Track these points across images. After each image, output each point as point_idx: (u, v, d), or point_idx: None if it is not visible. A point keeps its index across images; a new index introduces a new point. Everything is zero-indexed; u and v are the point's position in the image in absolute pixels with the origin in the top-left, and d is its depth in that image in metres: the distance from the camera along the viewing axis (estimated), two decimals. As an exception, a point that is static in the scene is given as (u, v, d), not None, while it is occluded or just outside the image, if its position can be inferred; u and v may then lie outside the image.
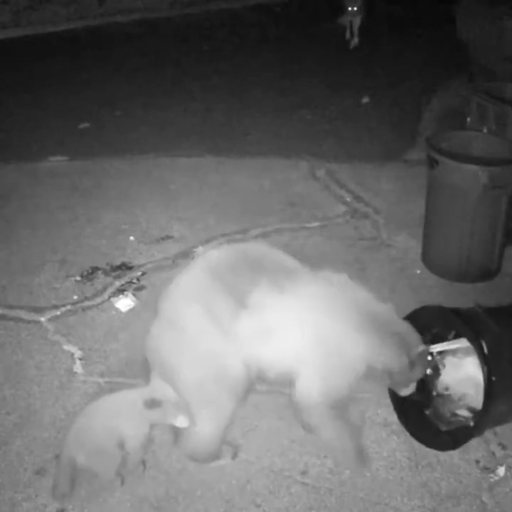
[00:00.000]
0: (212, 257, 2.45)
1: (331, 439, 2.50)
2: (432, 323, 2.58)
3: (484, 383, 2.33)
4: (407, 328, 2.44)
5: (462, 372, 2.55)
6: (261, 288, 2.29)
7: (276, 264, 2.39)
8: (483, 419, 2.38)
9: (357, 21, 7.24)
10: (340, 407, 2.44)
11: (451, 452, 2.54)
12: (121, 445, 2.39)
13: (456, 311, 2.54)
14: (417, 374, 2.48)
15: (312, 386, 2.36)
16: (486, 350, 2.32)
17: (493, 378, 2.30)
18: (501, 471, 2.50)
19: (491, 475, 2.49)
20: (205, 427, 2.41)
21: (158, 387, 2.44)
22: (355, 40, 7.26)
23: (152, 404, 2.39)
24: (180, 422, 2.40)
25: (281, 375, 2.40)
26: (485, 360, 2.32)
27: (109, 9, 8.32)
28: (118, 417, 2.41)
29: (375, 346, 2.35)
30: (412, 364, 2.40)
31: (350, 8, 7.10)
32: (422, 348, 2.42)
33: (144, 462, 2.51)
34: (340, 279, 2.42)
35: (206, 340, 2.31)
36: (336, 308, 2.35)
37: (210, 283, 2.32)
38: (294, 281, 2.34)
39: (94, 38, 7.67)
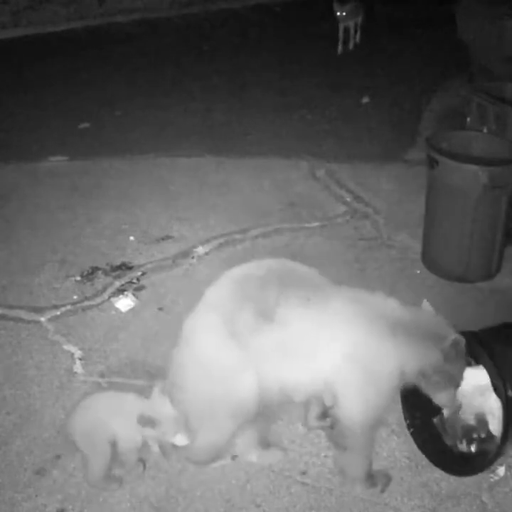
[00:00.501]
0: (238, 271, 2.35)
1: (360, 457, 2.40)
2: None
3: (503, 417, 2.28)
4: (437, 322, 2.31)
5: (470, 380, 2.48)
6: (289, 303, 2.19)
7: (304, 279, 2.31)
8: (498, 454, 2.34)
9: (350, 25, 7.04)
10: (378, 424, 2.38)
11: (451, 452, 2.55)
12: (112, 443, 2.38)
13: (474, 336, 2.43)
14: (456, 369, 2.29)
15: (354, 408, 2.25)
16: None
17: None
18: (501, 471, 2.49)
19: (491, 475, 2.48)
20: (203, 442, 2.38)
21: (158, 404, 2.37)
22: (345, 46, 7.06)
23: (146, 422, 2.34)
24: (179, 440, 2.36)
25: (311, 396, 2.31)
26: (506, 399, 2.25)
27: (109, 9, 8.32)
28: (114, 418, 2.39)
29: (407, 352, 2.23)
30: (447, 357, 2.23)
31: (338, 13, 6.89)
32: (454, 336, 2.24)
33: (143, 462, 2.50)
34: (365, 294, 2.32)
35: (218, 355, 2.22)
36: (366, 323, 2.23)
37: (233, 294, 2.24)
38: (322, 296, 2.25)
39: (94, 38, 7.67)
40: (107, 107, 5.81)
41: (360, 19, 7.14)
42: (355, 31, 7.14)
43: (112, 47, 7.35)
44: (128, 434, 2.39)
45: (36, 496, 2.43)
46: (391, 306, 2.29)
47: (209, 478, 2.48)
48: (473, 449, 2.49)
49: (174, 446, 2.44)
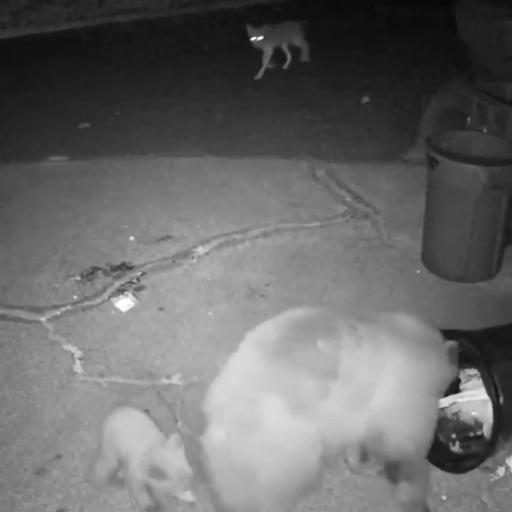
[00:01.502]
0: (265, 335, 2.12)
1: (419, 485, 2.33)
2: None
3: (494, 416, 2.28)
4: (434, 330, 2.30)
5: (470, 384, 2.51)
6: (345, 350, 2.05)
7: (338, 321, 2.15)
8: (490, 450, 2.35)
9: (268, 51, 6.41)
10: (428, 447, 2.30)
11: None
12: (120, 460, 2.34)
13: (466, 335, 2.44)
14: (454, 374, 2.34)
15: (408, 438, 2.19)
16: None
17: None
18: (501, 471, 2.49)
19: (491, 475, 2.48)
20: None
21: (171, 456, 2.22)
22: (260, 72, 6.43)
23: (156, 474, 2.23)
24: (187, 497, 2.26)
25: (371, 436, 2.20)
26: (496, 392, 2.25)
27: (109, 9, 8.33)
28: (136, 440, 2.33)
29: (442, 370, 2.22)
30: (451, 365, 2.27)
31: (253, 39, 6.28)
32: (449, 344, 2.27)
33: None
34: (396, 318, 2.26)
35: (286, 437, 2.02)
36: (408, 352, 2.16)
37: (285, 366, 2.03)
38: (367, 333, 2.13)
39: (94, 38, 7.67)
40: (107, 107, 5.81)
41: (298, 39, 6.60)
42: (296, 51, 6.66)
43: (112, 47, 7.36)
44: (136, 467, 2.31)
45: (36, 495, 2.43)
46: (415, 325, 2.25)
47: (209, 478, 2.48)
48: (464, 449, 2.49)
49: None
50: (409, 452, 2.22)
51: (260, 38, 6.23)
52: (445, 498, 2.41)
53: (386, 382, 2.11)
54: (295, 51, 6.68)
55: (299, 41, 6.61)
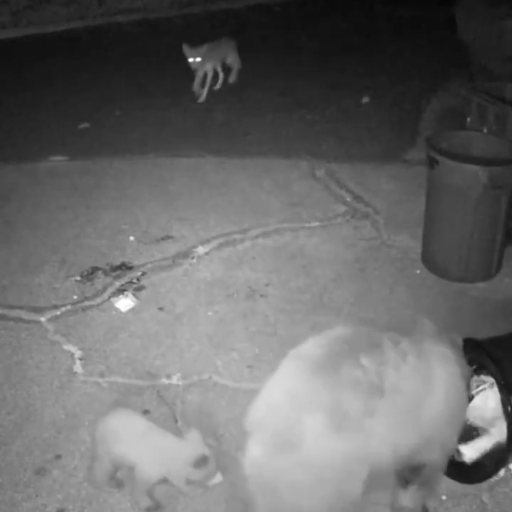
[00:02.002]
0: (308, 352, 2.05)
1: (422, 497, 2.32)
2: None
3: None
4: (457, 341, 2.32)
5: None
6: (390, 365, 2.00)
7: (381, 336, 2.10)
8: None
9: (209, 72, 5.83)
10: None
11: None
12: (114, 462, 2.34)
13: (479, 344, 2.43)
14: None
15: (441, 456, 2.20)
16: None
17: None
18: (501, 471, 2.49)
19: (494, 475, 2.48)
20: None
21: (198, 445, 2.29)
22: (203, 95, 5.87)
23: (201, 462, 2.27)
24: (218, 478, 2.33)
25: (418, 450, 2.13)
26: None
27: (109, 9, 8.32)
28: (136, 445, 2.32)
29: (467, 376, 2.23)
30: None
31: (191, 60, 5.76)
32: (453, 338, 2.31)
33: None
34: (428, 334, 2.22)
35: (331, 458, 1.94)
36: (444, 367, 2.14)
37: (327, 384, 1.96)
38: (411, 345, 2.09)
39: (94, 38, 7.67)
40: (107, 107, 5.81)
41: (231, 57, 6.07)
42: (228, 71, 6.12)
43: (112, 47, 7.35)
44: (147, 468, 2.31)
45: (36, 496, 2.43)
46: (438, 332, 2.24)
47: (209, 478, 2.49)
48: (469, 457, 2.47)
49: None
50: (439, 459, 2.20)
51: (198, 59, 5.76)
52: (445, 498, 2.41)
53: (434, 394, 2.07)
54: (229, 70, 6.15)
55: (232, 59, 6.07)
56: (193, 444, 2.32)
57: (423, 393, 2.06)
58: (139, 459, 2.31)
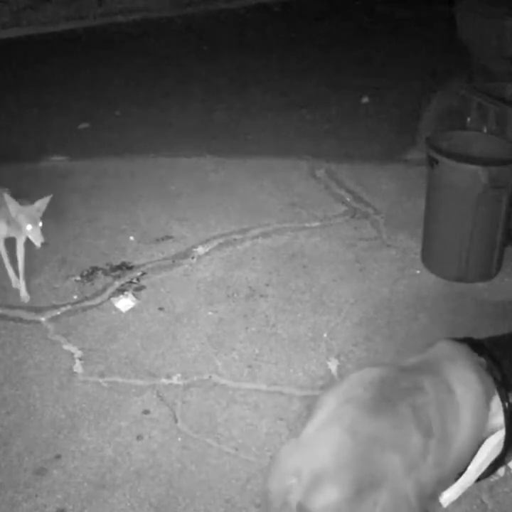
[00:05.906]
0: (355, 395, 1.97)
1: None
2: None
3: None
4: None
5: None
6: (433, 406, 1.98)
7: (421, 378, 2.06)
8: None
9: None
10: None
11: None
12: None
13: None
14: None
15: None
16: None
17: None
18: (501, 471, 2.49)
19: (491, 475, 2.48)
20: None
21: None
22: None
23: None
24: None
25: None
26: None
27: (109, 9, 8.31)
28: None
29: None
30: None
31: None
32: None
33: None
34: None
35: (404, 500, 1.87)
36: (469, 390, 2.12)
37: (387, 422, 1.91)
38: (440, 382, 2.07)
39: (94, 38, 7.66)
40: (107, 107, 5.81)
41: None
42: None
43: (112, 47, 7.35)
44: None
45: (36, 496, 2.43)
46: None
47: (209, 478, 2.49)
48: None
49: None
50: (453, 480, 2.20)
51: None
52: (445, 498, 2.41)
53: (462, 423, 2.06)
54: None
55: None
56: None
57: (456, 427, 2.03)
58: None
